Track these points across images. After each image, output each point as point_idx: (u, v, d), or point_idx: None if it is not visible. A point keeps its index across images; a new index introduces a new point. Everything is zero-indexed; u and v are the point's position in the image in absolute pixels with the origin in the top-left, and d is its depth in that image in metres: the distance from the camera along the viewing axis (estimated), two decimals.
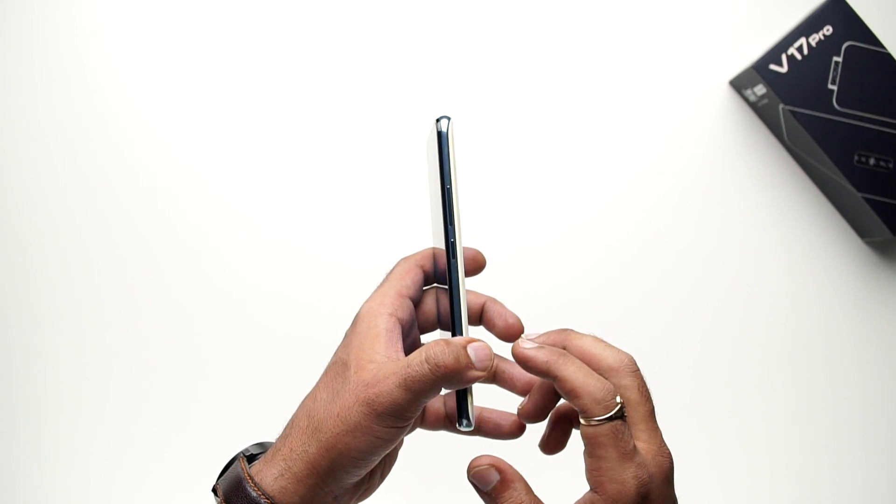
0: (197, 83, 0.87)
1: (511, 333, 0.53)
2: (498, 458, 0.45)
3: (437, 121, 0.48)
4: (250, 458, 0.49)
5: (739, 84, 0.88)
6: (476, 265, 0.53)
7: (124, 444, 0.84)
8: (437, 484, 0.84)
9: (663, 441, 0.46)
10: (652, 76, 0.89)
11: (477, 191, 0.86)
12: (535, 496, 0.45)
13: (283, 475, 0.46)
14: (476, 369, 0.45)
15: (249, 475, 0.47)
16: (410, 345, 0.53)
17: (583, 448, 0.45)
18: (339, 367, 0.48)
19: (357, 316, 0.50)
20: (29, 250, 0.85)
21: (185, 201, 0.86)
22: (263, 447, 0.51)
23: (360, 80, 0.87)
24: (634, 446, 0.44)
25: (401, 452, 0.54)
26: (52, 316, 0.85)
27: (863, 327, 0.88)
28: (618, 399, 0.45)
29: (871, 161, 0.84)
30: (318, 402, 0.47)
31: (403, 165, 0.87)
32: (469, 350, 0.45)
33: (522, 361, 0.46)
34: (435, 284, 0.54)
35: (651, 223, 0.88)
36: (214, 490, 0.49)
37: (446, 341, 0.46)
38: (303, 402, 0.49)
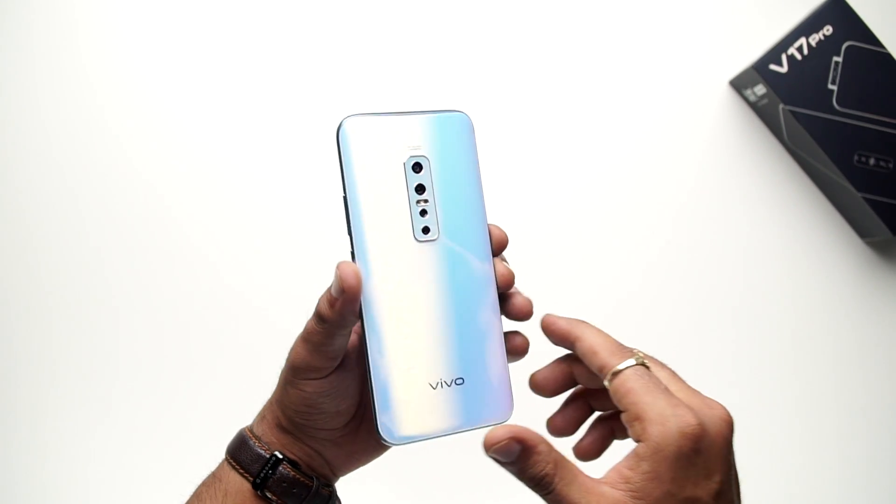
0: (204, 81, 0.87)
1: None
2: (514, 426, 0.43)
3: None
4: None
5: (739, 84, 0.88)
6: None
7: (124, 443, 0.84)
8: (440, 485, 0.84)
9: (707, 396, 0.44)
10: (652, 76, 0.89)
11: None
12: (560, 455, 0.43)
13: (267, 433, 0.50)
14: (346, 294, 0.44)
15: (253, 434, 0.50)
16: None
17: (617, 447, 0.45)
18: None
19: None
20: (30, 248, 0.85)
21: (189, 199, 0.86)
22: None
23: (368, 77, 0.87)
24: (667, 389, 0.43)
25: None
26: (53, 314, 0.85)
27: (863, 327, 0.88)
28: (637, 352, 0.45)
29: (871, 161, 0.84)
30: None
31: None
32: (337, 279, 0.44)
33: (546, 326, 0.47)
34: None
35: (650, 223, 0.88)
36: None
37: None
38: None
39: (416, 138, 0.47)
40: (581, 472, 0.43)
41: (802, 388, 0.88)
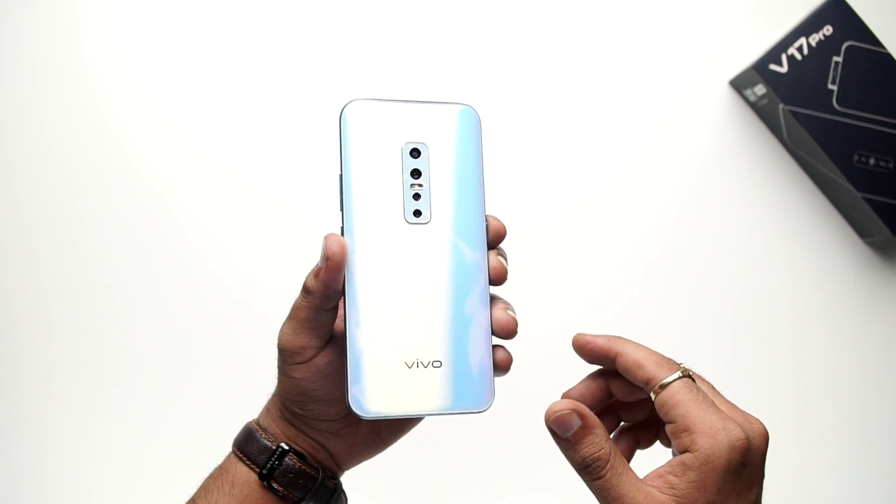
0: (207, 84, 0.87)
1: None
2: (577, 402, 0.44)
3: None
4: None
5: (739, 84, 0.88)
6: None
7: (126, 442, 0.84)
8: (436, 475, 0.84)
9: (745, 411, 0.45)
10: (652, 76, 0.89)
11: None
12: (615, 445, 0.44)
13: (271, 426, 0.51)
14: (329, 262, 0.44)
15: (260, 426, 0.51)
16: None
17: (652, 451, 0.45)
18: None
19: None
20: (31, 248, 0.85)
21: (190, 199, 0.86)
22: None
23: (371, 74, 0.87)
24: (713, 402, 0.44)
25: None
26: (53, 314, 0.85)
27: (863, 327, 0.88)
28: (682, 364, 0.45)
29: (871, 161, 0.84)
30: None
31: None
32: (323, 249, 0.44)
33: (582, 345, 0.48)
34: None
35: (650, 223, 0.88)
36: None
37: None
38: None
39: (418, 125, 0.47)
40: (630, 468, 0.44)
41: (802, 388, 0.88)
